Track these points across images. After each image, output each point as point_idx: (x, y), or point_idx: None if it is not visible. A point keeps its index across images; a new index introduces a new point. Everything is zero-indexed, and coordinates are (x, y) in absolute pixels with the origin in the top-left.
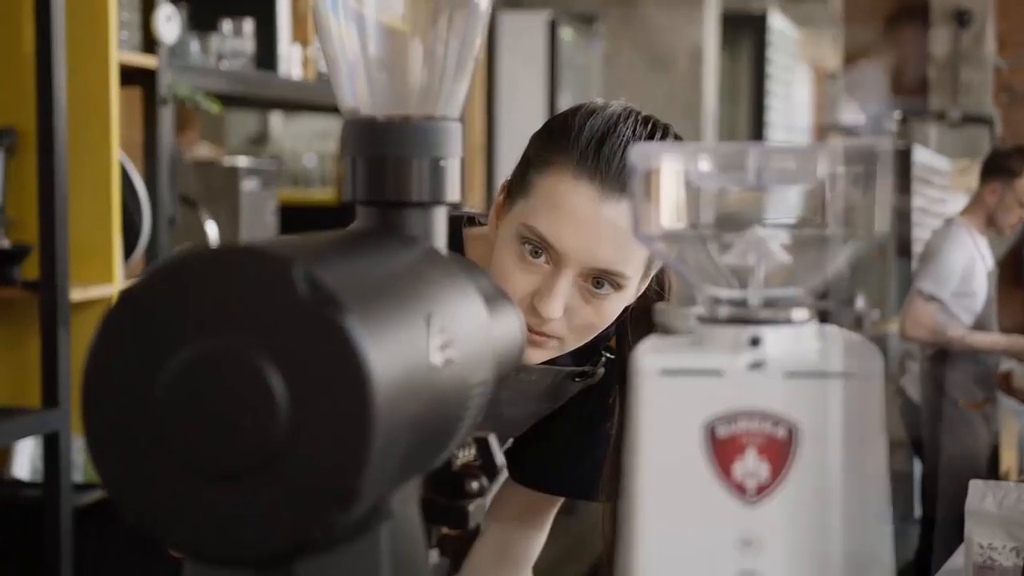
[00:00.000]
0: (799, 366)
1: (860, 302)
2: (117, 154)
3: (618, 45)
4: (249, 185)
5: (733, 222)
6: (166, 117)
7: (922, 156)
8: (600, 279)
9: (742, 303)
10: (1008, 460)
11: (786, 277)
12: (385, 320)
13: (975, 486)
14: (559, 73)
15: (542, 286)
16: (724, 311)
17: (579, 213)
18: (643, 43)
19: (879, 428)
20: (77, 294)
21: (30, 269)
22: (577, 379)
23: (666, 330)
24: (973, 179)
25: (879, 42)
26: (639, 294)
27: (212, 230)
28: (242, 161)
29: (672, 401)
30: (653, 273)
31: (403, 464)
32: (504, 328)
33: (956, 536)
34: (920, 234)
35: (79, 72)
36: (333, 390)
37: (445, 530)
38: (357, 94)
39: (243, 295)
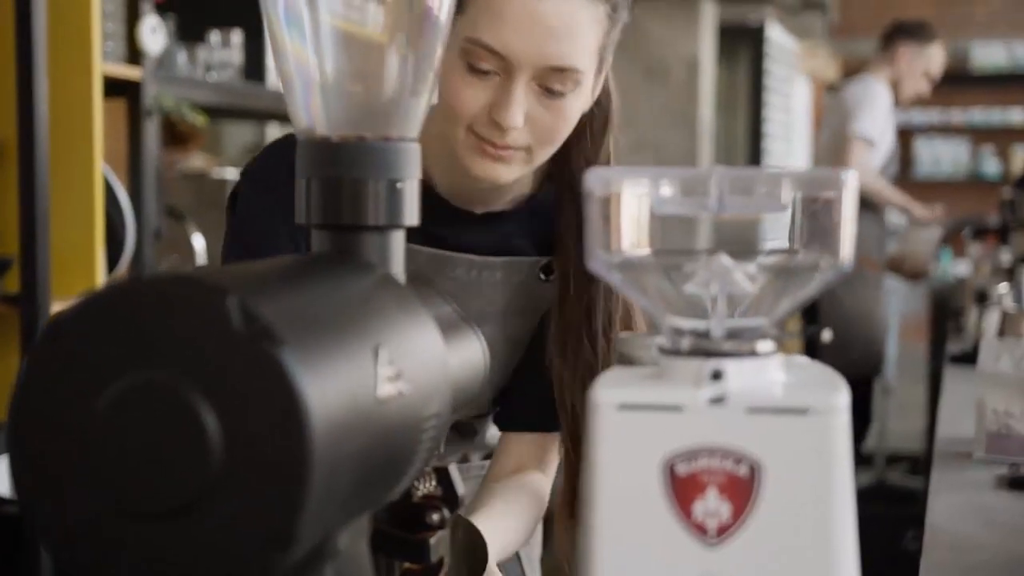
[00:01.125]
0: (762, 401)
1: None
2: (100, 166)
3: (614, 55)
4: None
5: (695, 250)
6: (151, 129)
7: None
8: (554, 80)
9: (705, 334)
10: None
11: (751, 305)
12: (327, 352)
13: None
14: None
15: (497, 97)
16: (686, 342)
17: (520, 13)
18: (639, 54)
19: (845, 465)
20: (59, 307)
21: (11, 282)
22: (543, 276)
23: (628, 360)
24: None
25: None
26: (595, 96)
27: (199, 243)
28: (231, 173)
29: (630, 437)
30: (606, 70)
31: (348, 501)
32: (463, 356)
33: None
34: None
35: (62, 83)
36: (268, 426)
37: (407, 565)
38: (312, 113)
39: (176, 326)
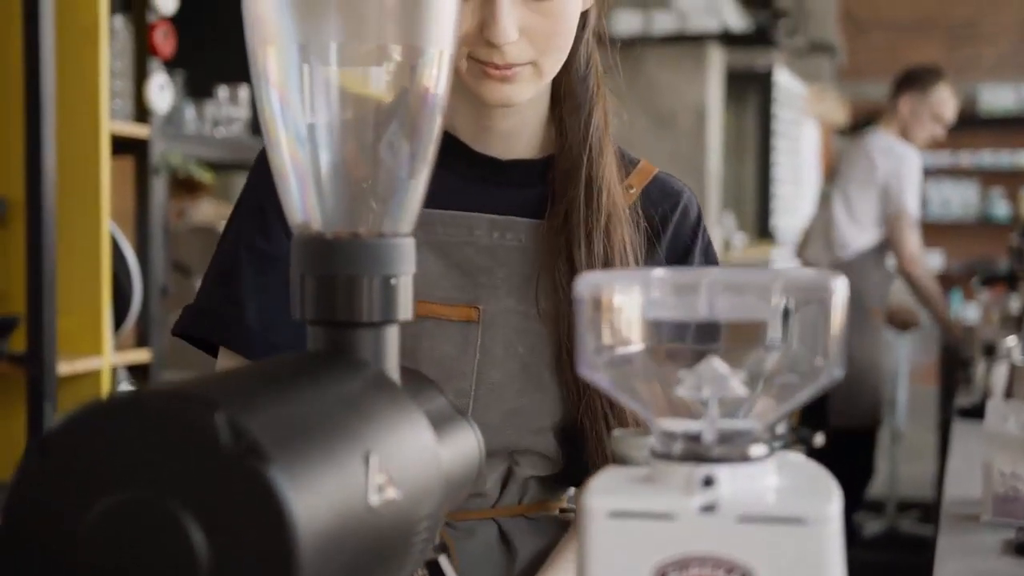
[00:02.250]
0: (754, 509)
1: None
2: (107, 224)
3: (621, 103)
4: None
5: (687, 353)
6: (158, 186)
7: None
8: None
9: (696, 437)
10: None
11: (744, 406)
12: (316, 465)
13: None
14: None
15: (484, 15)
16: (678, 447)
17: None
18: (647, 102)
19: (837, 574)
20: (65, 367)
21: (17, 341)
22: None
23: (621, 459)
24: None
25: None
26: None
27: None
28: None
29: (621, 545)
30: None
31: None
32: (456, 449)
33: (846, 448)
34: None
35: (70, 142)
36: (256, 544)
37: None
38: (307, 209)
39: (164, 442)
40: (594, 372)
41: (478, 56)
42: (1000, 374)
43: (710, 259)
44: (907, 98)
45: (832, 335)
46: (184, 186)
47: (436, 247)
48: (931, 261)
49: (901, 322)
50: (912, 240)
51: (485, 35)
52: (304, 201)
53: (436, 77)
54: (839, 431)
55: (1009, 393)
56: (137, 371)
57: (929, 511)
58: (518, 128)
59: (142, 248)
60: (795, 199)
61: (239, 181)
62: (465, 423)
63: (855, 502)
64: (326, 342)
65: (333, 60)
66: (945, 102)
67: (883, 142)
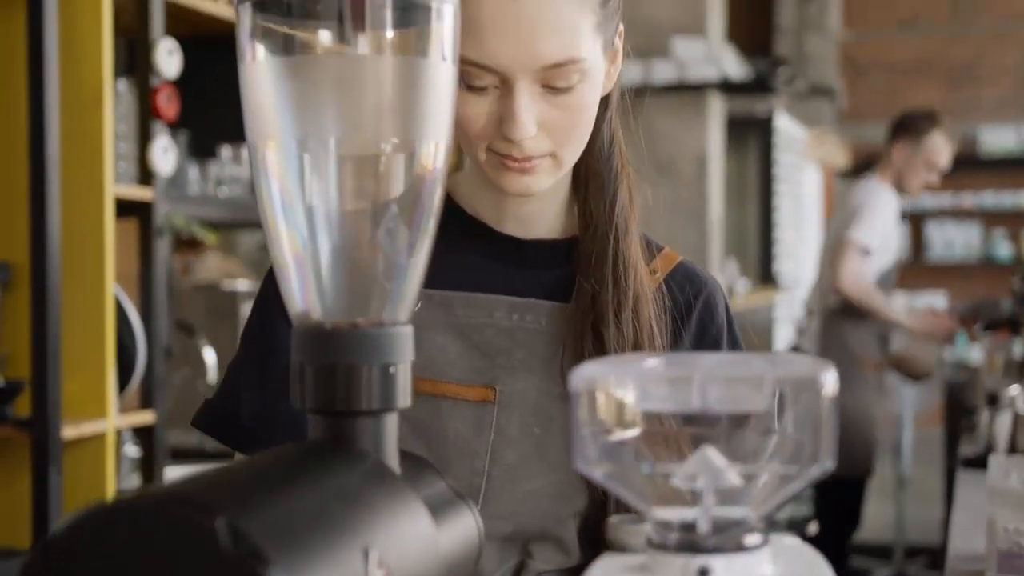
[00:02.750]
0: None
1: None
2: (112, 287)
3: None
4: (249, 309)
5: (682, 443)
6: (162, 248)
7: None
8: (555, 77)
9: (691, 527)
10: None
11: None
12: (316, 564)
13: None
14: None
15: (502, 111)
16: (673, 537)
17: (497, 19)
18: (648, 150)
19: None
20: (70, 431)
21: (22, 406)
22: None
23: (618, 547)
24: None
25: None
26: (616, 75)
27: (210, 357)
28: (242, 284)
29: None
30: (619, 43)
31: None
32: (455, 534)
33: (834, 496)
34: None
35: (74, 206)
36: None
37: None
38: (306, 299)
39: (165, 547)
40: (589, 464)
41: (497, 149)
42: (1004, 424)
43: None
44: (900, 145)
45: (823, 426)
46: (189, 241)
47: (455, 328)
48: (934, 302)
49: (911, 373)
50: (849, 265)
51: (503, 130)
52: (303, 291)
53: (433, 168)
54: (827, 479)
55: (1013, 443)
56: (142, 432)
57: (936, 557)
58: (539, 210)
59: (146, 309)
60: (797, 244)
61: (243, 239)
62: (465, 507)
63: (840, 550)
64: (325, 431)
65: (332, 154)
66: (939, 150)
67: (870, 188)
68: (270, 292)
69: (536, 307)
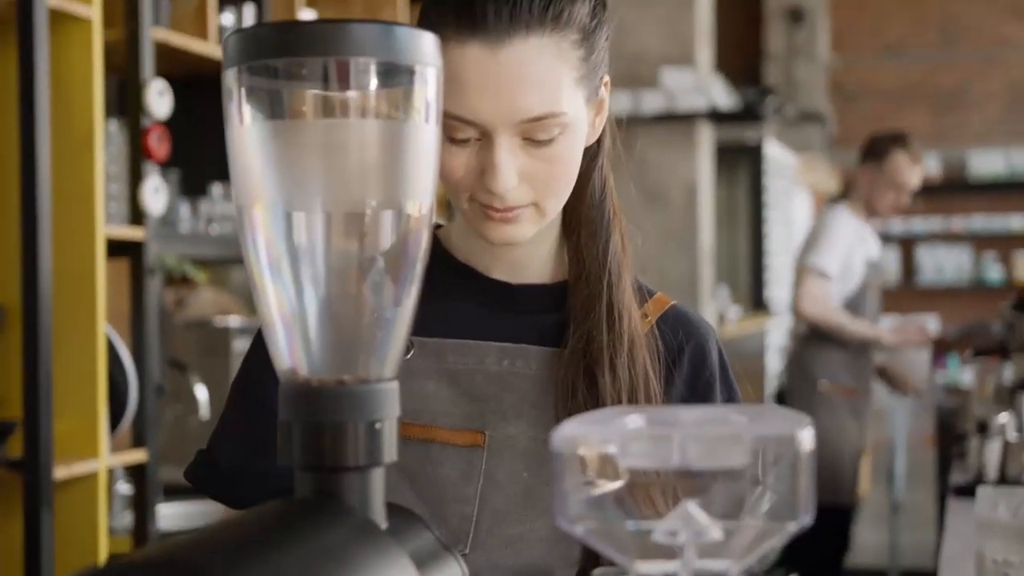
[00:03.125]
0: None
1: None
2: (103, 328)
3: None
4: (241, 345)
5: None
6: (153, 287)
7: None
8: (536, 131)
9: None
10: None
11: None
12: None
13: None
14: None
15: (483, 163)
16: None
17: (477, 74)
18: (638, 179)
19: None
20: (62, 472)
21: (14, 447)
22: None
23: None
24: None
25: None
26: (600, 126)
27: (202, 394)
28: (234, 321)
29: None
30: (603, 94)
31: None
32: None
33: (820, 525)
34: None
35: (66, 247)
36: None
37: None
38: (293, 356)
39: None
40: (571, 521)
41: (479, 199)
42: (993, 452)
43: (733, 399)
44: (866, 168)
45: (801, 481)
46: (183, 276)
47: (447, 374)
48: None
49: (897, 385)
50: (808, 289)
51: (485, 182)
52: (290, 348)
53: (418, 226)
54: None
55: (1003, 471)
56: (134, 470)
57: None
58: (529, 255)
59: (138, 348)
60: (788, 269)
61: (234, 274)
62: (452, 559)
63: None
64: (313, 487)
65: (318, 216)
66: (902, 170)
67: (833, 213)
68: (260, 349)
69: (527, 352)
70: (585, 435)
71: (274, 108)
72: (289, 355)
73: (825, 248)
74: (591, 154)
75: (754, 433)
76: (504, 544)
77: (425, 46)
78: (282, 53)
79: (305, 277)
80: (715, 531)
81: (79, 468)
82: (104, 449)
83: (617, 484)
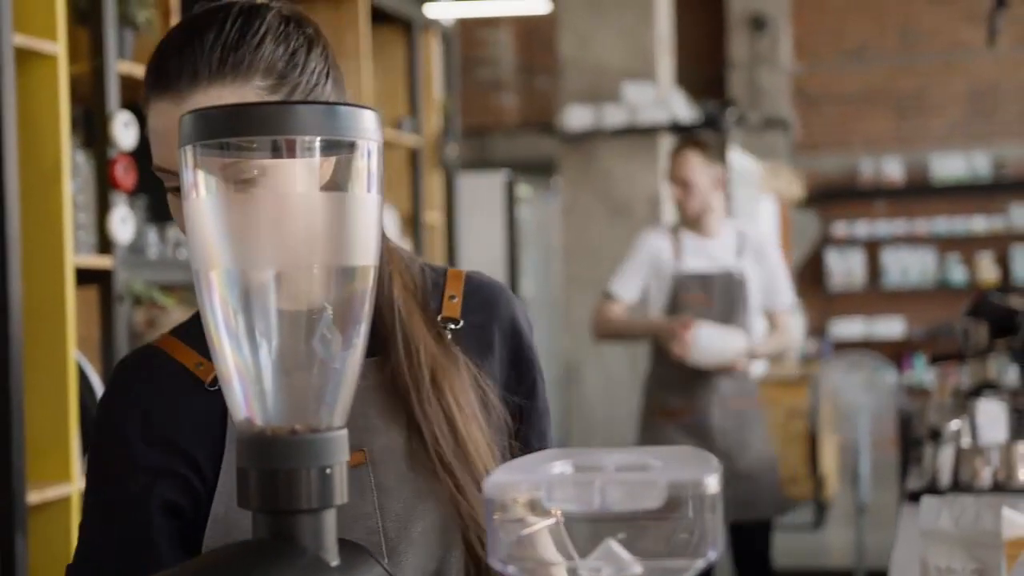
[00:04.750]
0: None
1: None
2: (73, 354)
3: (577, 195)
4: None
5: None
6: (122, 314)
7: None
8: (239, 173)
9: None
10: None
11: None
12: None
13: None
14: (518, 227)
15: None
16: None
17: (167, 127)
18: (601, 192)
19: None
20: (35, 496)
21: None
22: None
23: None
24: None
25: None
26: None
27: None
28: None
29: None
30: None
31: None
32: None
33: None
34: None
35: (35, 276)
36: None
37: None
38: (249, 408)
39: None
40: (503, 561)
41: None
42: (946, 458)
43: (533, 359)
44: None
45: (709, 520)
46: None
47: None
48: (892, 328)
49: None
50: (594, 315)
51: None
52: (246, 400)
53: (363, 283)
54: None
55: (955, 477)
56: None
57: None
58: None
59: (108, 373)
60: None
61: None
62: None
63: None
64: (268, 529)
65: (269, 279)
66: (671, 165)
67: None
68: (108, 435)
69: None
70: (514, 482)
71: (226, 182)
72: (245, 406)
73: (620, 271)
74: None
75: (668, 478)
76: (413, 542)
77: (366, 122)
78: (233, 133)
79: (259, 334)
80: (635, 567)
81: (52, 493)
82: (76, 473)
83: (544, 526)
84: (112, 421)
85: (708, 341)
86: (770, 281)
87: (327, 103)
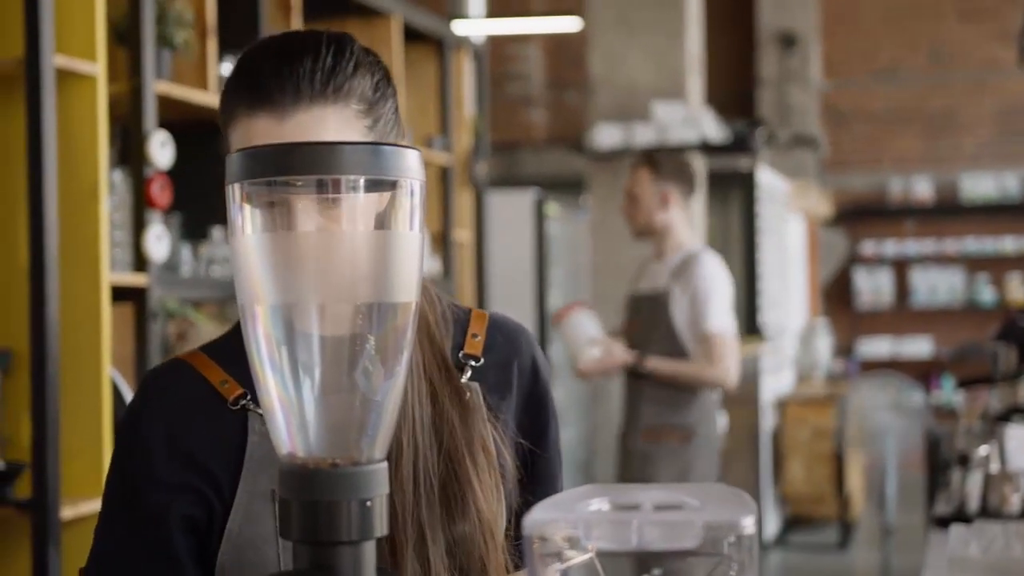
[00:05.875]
0: None
1: None
2: (108, 371)
3: (606, 213)
4: None
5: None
6: (156, 331)
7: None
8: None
9: None
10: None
11: None
12: None
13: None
14: (547, 245)
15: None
16: None
17: (265, 143)
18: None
19: None
20: (68, 511)
21: (22, 488)
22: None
23: None
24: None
25: None
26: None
27: None
28: None
29: None
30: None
31: None
32: None
33: None
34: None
35: (72, 293)
36: None
37: None
38: (292, 441)
39: None
40: None
41: None
42: (975, 484)
43: (548, 403)
44: None
45: (745, 561)
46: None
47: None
48: (920, 347)
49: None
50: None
51: None
52: (289, 434)
53: (404, 318)
54: None
55: (984, 503)
56: None
57: None
58: None
59: None
60: (781, 292)
61: (232, 309)
62: None
63: None
64: (309, 560)
65: (312, 314)
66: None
67: None
68: (131, 445)
69: None
70: (553, 520)
71: (272, 220)
72: (288, 440)
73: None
74: None
75: (705, 518)
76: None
77: (409, 161)
78: (280, 172)
79: (301, 368)
80: None
81: (85, 508)
82: None
83: (583, 563)
84: (137, 432)
85: (572, 324)
86: (695, 304)
87: (370, 143)
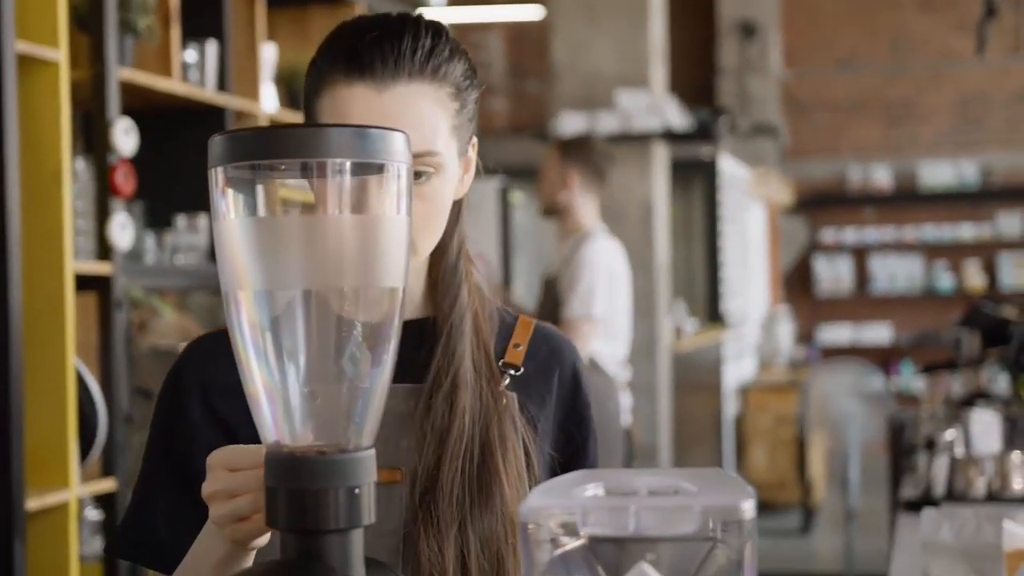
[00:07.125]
0: None
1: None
2: (72, 361)
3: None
4: None
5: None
6: (120, 319)
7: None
8: (415, 165)
9: None
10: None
11: None
12: None
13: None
14: (512, 233)
15: None
16: None
17: (364, 112)
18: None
19: None
20: (34, 503)
21: None
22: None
23: None
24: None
25: None
26: (468, 182)
27: None
28: None
29: None
30: (473, 155)
31: None
32: None
33: None
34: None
35: (35, 283)
36: None
37: None
38: (278, 429)
39: None
40: None
41: None
42: (941, 468)
43: (588, 418)
44: None
45: (745, 544)
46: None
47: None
48: (879, 334)
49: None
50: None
51: None
52: (275, 421)
53: (391, 303)
54: None
55: (950, 487)
56: (103, 499)
57: None
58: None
59: (106, 379)
60: (744, 281)
61: (199, 300)
62: None
63: None
64: (296, 548)
65: (297, 300)
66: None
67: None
68: (167, 399)
69: (395, 390)
70: (548, 506)
71: (256, 204)
72: (274, 427)
73: None
74: (454, 214)
75: (703, 503)
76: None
77: (395, 144)
78: (264, 155)
79: (287, 354)
80: None
81: (50, 499)
82: (75, 480)
83: (579, 548)
84: (179, 391)
85: None
86: (567, 288)
87: (356, 125)
